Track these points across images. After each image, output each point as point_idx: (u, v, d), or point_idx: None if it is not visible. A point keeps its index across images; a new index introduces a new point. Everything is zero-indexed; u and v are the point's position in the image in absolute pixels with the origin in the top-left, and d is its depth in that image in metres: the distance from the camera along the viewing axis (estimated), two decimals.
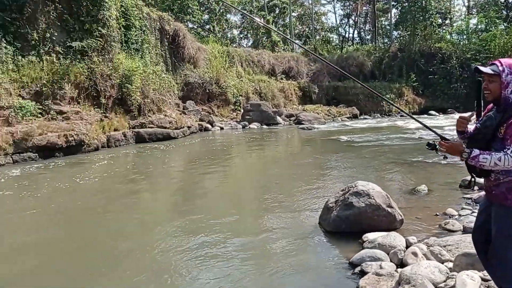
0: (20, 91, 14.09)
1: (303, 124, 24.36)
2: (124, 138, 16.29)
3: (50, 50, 15.38)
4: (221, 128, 22.43)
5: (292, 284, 4.33)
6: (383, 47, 43.87)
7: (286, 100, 30.70)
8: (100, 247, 5.66)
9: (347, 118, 30.06)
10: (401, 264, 4.46)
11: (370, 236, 5.23)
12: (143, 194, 8.94)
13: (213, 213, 6.91)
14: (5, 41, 14.31)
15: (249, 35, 51.71)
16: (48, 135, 13.10)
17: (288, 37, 43.48)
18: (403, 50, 38.27)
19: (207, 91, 24.64)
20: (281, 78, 32.67)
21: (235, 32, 53.55)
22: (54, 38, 15.55)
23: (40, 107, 14.07)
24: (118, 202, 8.01)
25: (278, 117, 25.31)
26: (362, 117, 30.60)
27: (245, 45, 48.39)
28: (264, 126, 23.66)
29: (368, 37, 58.66)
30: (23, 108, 13.37)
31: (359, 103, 32.69)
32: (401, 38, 47.67)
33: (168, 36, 23.24)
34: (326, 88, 33.79)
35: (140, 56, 19.33)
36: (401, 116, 30.90)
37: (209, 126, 22.00)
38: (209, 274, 4.61)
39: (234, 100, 25.93)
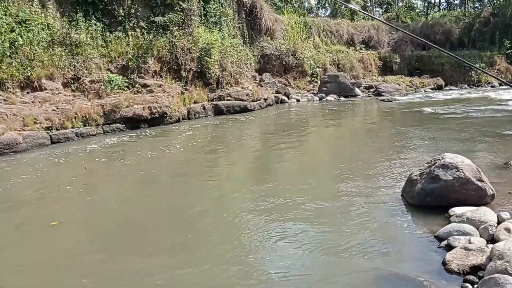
0: (108, 66, 14.94)
1: (383, 95, 23.47)
2: (203, 110, 16.75)
3: (135, 25, 16.08)
4: (298, 100, 22.26)
5: (375, 254, 4.25)
6: (473, 12, 40.57)
7: (365, 71, 29.67)
8: (181, 209, 5.93)
9: (431, 89, 28.45)
10: (492, 240, 4.20)
11: (457, 210, 4.98)
12: (221, 162, 9.19)
13: (290, 181, 6.93)
14: (94, 18, 15.16)
15: (326, 4, 50.27)
16: (134, 107, 13.81)
17: (368, 6, 41.66)
18: (496, 15, 35.10)
19: (284, 63, 24.47)
20: (360, 48, 31.54)
21: (312, 1, 52.27)
22: (138, 14, 16.21)
23: (127, 80, 14.84)
24: (198, 170, 8.32)
25: (356, 89, 24.57)
26: (447, 88, 28.79)
27: (322, 15, 47.17)
28: (342, 98, 23.13)
29: (457, 1, 54.50)
30: (111, 82, 14.19)
31: (445, 73, 30.70)
32: (495, 1, 43.70)
33: (245, 9, 23.27)
34: (409, 57, 32.08)
35: (218, 29, 19.58)
36: (492, 86, 28.66)
37: (285, 98, 21.93)
38: (284, 241, 4.65)
39: (311, 71, 25.54)
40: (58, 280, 4.09)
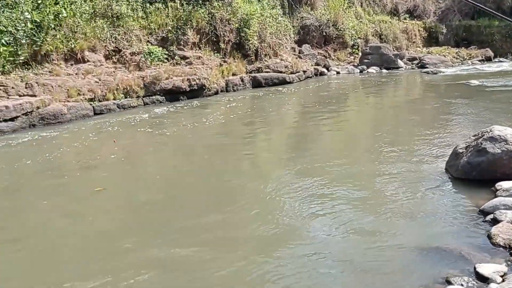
0: (148, 38, 15.06)
1: (427, 67, 22.59)
2: (241, 82, 16.68)
3: None
4: (337, 73, 21.78)
5: (417, 228, 4.17)
6: None
7: (409, 42, 28.55)
8: (217, 180, 5.98)
9: (479, 61, 27.12)
10: None
11: (504, 184, 4.78)
12: (259, 134, 9.17)
13: (328, 154, 6.84)
14: None
15: None
16: (173, 79, 13.92)
17: None
18: None
19: (324, 34, 23.87)
20: (404, 18, 30.30)
21: None
22: None
23: (166, 52, 14.93)
24: (236, 141, 8.35)
25: (399, 61, 23.75)
26: (496, 60, 27.35)
27: None
28: (384, 70, 22.43)
29: None
30: (151, 54, 14.32)
31: (494, 44, 29.12)
32: None
33: None
34: (456, 28, 30.58)
35: None
36: None
37: (324, 70, 21.49)
38: (322, 215, 4.62)
39: (352, 43, 24.81)
40: (100, 242, 4.24)
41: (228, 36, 16.75)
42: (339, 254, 3.77)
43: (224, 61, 16.54)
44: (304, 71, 19.47)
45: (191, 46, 15.88)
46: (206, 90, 14.80)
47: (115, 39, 14.09)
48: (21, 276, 3.69)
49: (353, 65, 23.12)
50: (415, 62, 24.60)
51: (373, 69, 22.45)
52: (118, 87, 12.65)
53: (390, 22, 28.21)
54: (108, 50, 13.87)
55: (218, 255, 3.87)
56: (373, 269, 3.53)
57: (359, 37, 25.14)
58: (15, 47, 11.32)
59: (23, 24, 11.47)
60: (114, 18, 14.21)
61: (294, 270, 3.56)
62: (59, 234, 4.49)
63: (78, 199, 5.51)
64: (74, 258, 3.94)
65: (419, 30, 29.86)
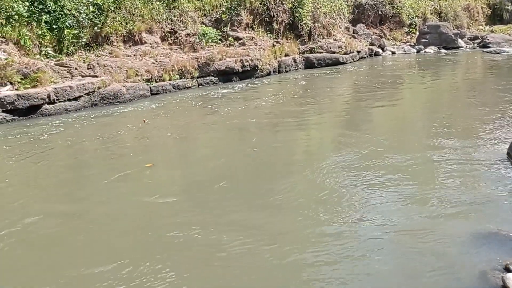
0: (203, 19, 15.27)
1: (489, 47, 21.41)
2: (294, 63, 16.59)
3: None
4: (393, 53, 21.12)
5: (477, 213, 4.09)
6: None
7: (470, 21, 27.13)
8: (268, 160, 6.07)
9: None
10: None
11: None
12: (312, 115, 9.16)
13: (381, 136, 6.74)
14: None
15: None
16: (226, 60, 14.08)
17: None
18: None
19: (380, 13, 23.14)
20: None
21: None
22: None
23: (220, 33, 15.09)
24: (288, 122, 8.39)
25: (459, 40, 22.65)
26: None
27: None
28: (442, 50, 21.50)
29: None
30: (205, 35, 14.53)
31: None
32: None
33: None
34: None
35: None
36: None
37: (379, 50, 20.91)
38: (375, 197, 4.61)
39: (409, 22, 23.89)
40: (155, 214, 4.47)
41: (281, 16, 16.64)
42: (395, 237, 3.78)
43: (277, 42, 16.49)
44: (358, 52, 19.05)
45: (244, 27, 15.94)
46: (258, 71, 14.87)
47: (171, 20, 14.40)
48: (88, 243, 3.98)
49: (410, 45, 22.33)
50: (477, 41, 23.39)
51: (431, 49, 21.58)
52: (173, 68, 12.98)
53: None
54: (164, 32, 14.21)
55: (266, 242, 3.99)
56: (430, 252, 3.51)
57: (416, 16, 24.16)
58: (78, 30, 11.87)
59: (85, 7, 11.98)
60: (170, 0, 14.49)
61: (351, 249, 3.61)
62: (119, 206, 4.77)
63: (133, 174, 5.80)
64: (134, 225, 4.19)
65: (482, 8, 28.26)
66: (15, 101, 9.53)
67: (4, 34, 10.73)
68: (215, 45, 14.62)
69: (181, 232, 4.07)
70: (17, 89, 9.86)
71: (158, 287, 3.25)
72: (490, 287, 3.04)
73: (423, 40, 22.14)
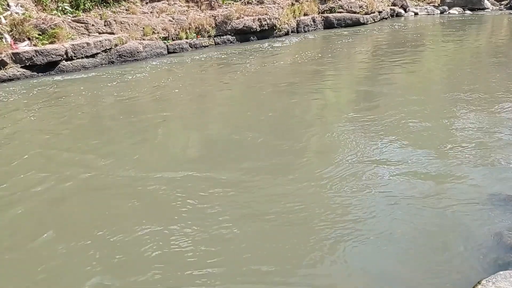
0: None
1: None
2: (313, 23, 16.23)
3: None
4: (415, 14, 20.48)
5: (497, 176, 4.06)
6: None
7: None
8: (282, 121, 6.05)
9: None
10: None
11: None
12: (328, 78, 9.04)
13: (397, 107, 6.63)
14: None
15: None
16: (244, 19, 13.83)
17: None
18: None
19: None
20: None
21: None
22: None
23: None
24: (305, 83, 8.29)
25: (485, 1, 21.81)
26: None
27: None
28: (467, 12, 20.76)
29: None
30: None
31: None
32: None
33: None
34: None
35: None
36: None
37: (402, 11, 20.29)
38: (390, 170, 4.59)
39: None
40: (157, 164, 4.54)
41: None
42: (411, 199, 3.78)
43: (296, 1, 16.08)
44: (380, 12, 18.53)
45: None
46: (276, 30, 14.61)
47: None
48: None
49: (434, 6, 21.61)
50: (504, 2, 22.48)
51: (455, 10, 20.87)
52: (190, 27, 12.82)
53: None
54: None
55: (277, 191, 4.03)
56: (447, 213, 3.52)
57: None
58: None
59: None
60: None
61: (367, 212, 3.64)
62: (135, 157, 4.85)
63: (150, 128, 5.86)
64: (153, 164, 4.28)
65: None
66: (33, 57, 9.59)
67: None
68: (233, 3, 14.34)
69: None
70: (35, 45, 9.89)
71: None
72: (506, 246, 3.05)
73: (448, 0, 21.38)
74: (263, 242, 3.28)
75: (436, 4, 21.80)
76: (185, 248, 3.23)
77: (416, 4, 21.64)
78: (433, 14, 20.69)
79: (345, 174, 4.25)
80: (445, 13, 20.79)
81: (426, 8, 21.18)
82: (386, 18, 19.02)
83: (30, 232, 3.57)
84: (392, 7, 20.04)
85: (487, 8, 21.56)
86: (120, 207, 3.89)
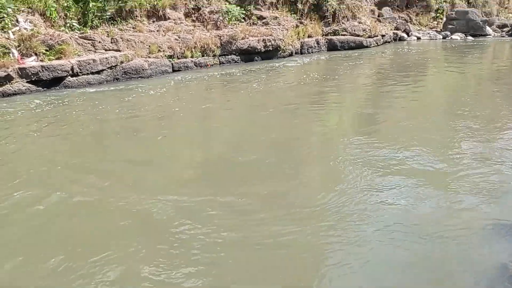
0: None
1: None
2: (317, 45, 16.40)
3: None
4: (418, 38, 20.70)
5: (499, 204, 4.05)
6: None
7: (500, 7, 26.32)
8: (285, 142, 6.07)
9: None
10: None
11: None
12: (331, 99, 9.09)
13: (398, 131, 6.66)
14: None
15: None
16: (249, 39, 13.98)
17: None
18: None
19: None
20: None
21: None
22: None
23: (243, 11, 14.97)
24: (307, 104, 8.35)
25: (487, 28, 22.04)
26: None
27: None
28: (469, 38, 20.97)
29: None
30: (229, 13, 14.42)
31: None
32: None
33: None
34: None
35: None
36: None
37: (404, 35, 20.52)
38: (389, 196, 4.60)
39: (437, 6, 23.33)
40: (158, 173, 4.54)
41: None
42: (415, 223, 3.77)
43: (301, 22, 16.29)
44: (383, 35, 18.74)
45: (269, 6, 15.79)
46: (280, 51, 14.76)
47: None
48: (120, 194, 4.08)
49: (436, 31, 21.86)
50: (506, 29, 22.74)
51: (457, 36, 21.10)
52: (196, 45, 12.96)
53: None
54: (188, 8, 14.16)
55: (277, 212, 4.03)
56: (450, 241, 3.51)
57: (444, 1, 23.55)
58: (103, 3, 11.89)
59: None
60: None
61: (370, 234, 3.63)
62: (137, 173, 4.86)
63: (150, 145, 5.88)
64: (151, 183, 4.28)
65: None
66: (39, 72, 9.67)
67: (31, 5, 10.83)
68: (238, 24, 14.53)
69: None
70: (41, 60, 9.99)
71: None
72: (509, 277, 3.03)
73: (450, 26, 21.63)
74: (256, 268, 3.26)
75: (439, 29, 22.05)
76: (176, 271, 3.21)
77: (418, 28, 21.89)
78: (435, 39, 20.91)
79: (344, 199, 4.24)
80: (447, 38, 21.01)
81: (428, 33, 21.41)
82: (389, 42, 19.23)
83: (12, 254, 3.55)
84: (395, 31, 20.26)
85: (489, 35, 21.80)
86: (113, 227, 3.88)
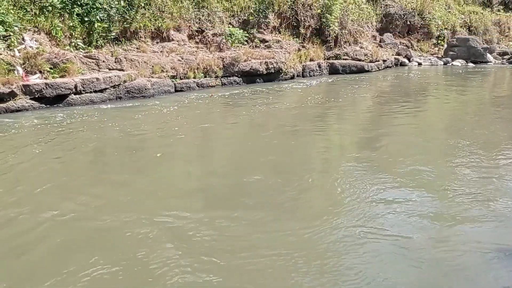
0: (230, 20, 15.38)
1: None
2: (318, 68, 16.56)
3: None
4: (419, 64, 20.90)
5: (503, 225, 4.03)
6: None
7: (500, 36, 26.64)
8: (285, 164, 6.08)
9: None
10: None
11: None
12: (332, 123, 9.14)
13: (399, 155, 6.67)
14: None
15: None
16: (251, 61, 14.14)
17: None
18: None
19: (408, 23, 22.91)
20: (498, 10, 28.29)
21: None
22: None
23: (246, 35, 15.18)
24: (308, 127, 8.38)
25: (488, 55, 22.28)
26: None
27: None
28: (470, 64, 21.18)
29: None
30: (232, 35, 14.63)
31: None
32: None
33: None
34: None
35: None
36: None
37: (405, 61, 20.72)
38: (394, 211, 4.57)
39: (438, 33, 23.61)
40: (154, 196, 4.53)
41: (308, 21, 16.67)
42: (414, 247, 3.74)
43: (303, 46, 16.49)
44: (384, 61, 18.93)
45: (271, 30, 16.02)
46: (282, 74, 14.90)
47: (199, 20, 14.55)
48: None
49: (437, 57, 22.08)
50: (506, 57, 23.00)
51: (458, 62, 21.30)
52: (198, 67, 13.10)
53: (482, 13, 26.47)
54: (191, 30, 14.37)
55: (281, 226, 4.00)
56: (452, 265, 3.47)
57: (445, 28, 23.87)
58: (108, 24, 12.09)
59: (117, 2, 12.20)
60: (199, 0, 14.65)
61: (368, 257, 3.60)
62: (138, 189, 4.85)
63: (145, 161, 5.89)
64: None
65: None
66: (43, 89, 9.76)
67: (37, 24, 11.02)
68: (241, 46, 14.71)
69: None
70: (45, 78, 10.10)
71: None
72: None
73: (451, 52, 21.86)
74: None
75: (440, 56, 22.28)
76: None
77: (419, 54, 22.11)
78: (437, 65, 21.11)
79: (345, 219, 4.22)
80: (448, 64, 21.21)
81: (429, 59, 21.62)
82: (390, 67, 19.41)
83: None
84: (397, 57, 20.47)
85: (490, 62, 22.01)
86: (107, 246, 3.86)
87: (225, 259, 3.55)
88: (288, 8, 16.28)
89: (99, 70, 11.35)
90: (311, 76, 16.12)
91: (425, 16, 22.91)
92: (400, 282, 3.24)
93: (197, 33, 14.50)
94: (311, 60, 16.43)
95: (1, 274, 3.39)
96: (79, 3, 11.63)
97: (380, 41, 20.77)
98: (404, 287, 3.20)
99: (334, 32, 17.18)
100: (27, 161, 6.08)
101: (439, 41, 23.52)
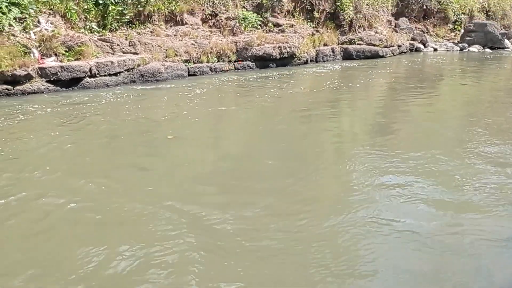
0: (244, 3, 15.26)
1: None
2: (332, 53, 16.42)
3: None
4: (435, 49, 20.59)
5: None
6: None
7: None
8: (294, 148, 6.10)
9: None
10: None
11: None
12: (344, 108, 9.10)
13: (411, 142, 6.64)
14: None
15: None
16: (265, 46, 14.06)
17: None
18: None
19: (424, 7, 22.52)
20: None
21: None
22: None
23: (260, 19, 15.07)
24: (320, 112, 8.37)
25: (506, 40, 21.85)
26: None
27: None
28: (487, 50, 20.82)
29: None
30: (246, 19, 14.53)
31: None
32: None
33: None
34: None
35: None
36: None
37: (421, 46, 20.43)
38: (400, 194, 4.58)
39: (454, 18, 23.18)
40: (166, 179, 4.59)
41: (323, 5, 16.47)
42: (429, 235, 3.76)
43: (317, 31, 16.33)
44: (399, 46, 18.69)
45: (285, 14, 15.88)
46: (296, 58, 14.81)
47: (213, 3, 14.47)
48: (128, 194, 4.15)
49: (453, 43, 21.72)
50: None
51: (475, 48, 20.95)
52: (212, 51, 13.07)
53: None
54: (205, 14, 14.31)
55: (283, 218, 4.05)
56: (465, 253, 3.49)
57: (463, 13, 23.42)
58: (122, 7, 12.09)
59: None
60: None
61: (382, 246, 3.63)
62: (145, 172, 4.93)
63: (155, 143, 5.96)
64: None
65: None
66: (58, 72, 9.85)
67: (52, 7, 11.06)
68: (255, 30, 14.63)
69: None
70: (61, 61, 10.18)
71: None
72: None
73: (468, 38, 21.49)
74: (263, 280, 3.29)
75: (456, 41, 21.92)
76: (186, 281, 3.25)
77: (435, 40, 21.77)
78: (452, 50, 20.78)
79: (356, 209, 4.25)
80: (464, 50, 20.87)
81: (445, 45, 21.29)
82: (405, 52, 19.16)
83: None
84: (412, 42, 20.19)
85: (507, 47, 21.60)
86: (116, 237, 3.94)
87: (239, 245, 3.62)
88: None
89: (113, 54, 11.41)
90: (324, 61, 16.00)
91: (442, 0, 22.47)
92: (413, 270, 3.28)
93: (210, 17, 14.44)
94: (325, 45, 16.28)
95: (28, 255, 3.49)
96: None
97: (395, 26, 20.48)
98: (418, 276, 3.23)
99: (349, 16, 16.97)
100: (44, 146, 6.18)
101: (455, 26, 23.12)
